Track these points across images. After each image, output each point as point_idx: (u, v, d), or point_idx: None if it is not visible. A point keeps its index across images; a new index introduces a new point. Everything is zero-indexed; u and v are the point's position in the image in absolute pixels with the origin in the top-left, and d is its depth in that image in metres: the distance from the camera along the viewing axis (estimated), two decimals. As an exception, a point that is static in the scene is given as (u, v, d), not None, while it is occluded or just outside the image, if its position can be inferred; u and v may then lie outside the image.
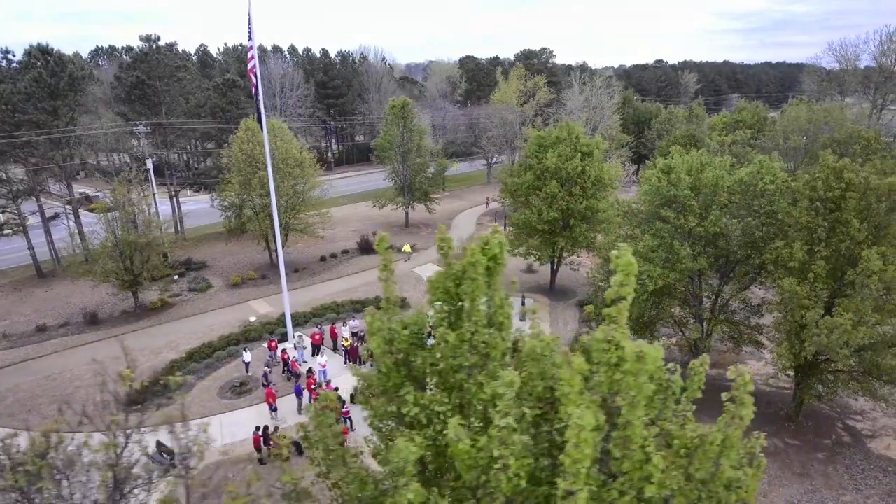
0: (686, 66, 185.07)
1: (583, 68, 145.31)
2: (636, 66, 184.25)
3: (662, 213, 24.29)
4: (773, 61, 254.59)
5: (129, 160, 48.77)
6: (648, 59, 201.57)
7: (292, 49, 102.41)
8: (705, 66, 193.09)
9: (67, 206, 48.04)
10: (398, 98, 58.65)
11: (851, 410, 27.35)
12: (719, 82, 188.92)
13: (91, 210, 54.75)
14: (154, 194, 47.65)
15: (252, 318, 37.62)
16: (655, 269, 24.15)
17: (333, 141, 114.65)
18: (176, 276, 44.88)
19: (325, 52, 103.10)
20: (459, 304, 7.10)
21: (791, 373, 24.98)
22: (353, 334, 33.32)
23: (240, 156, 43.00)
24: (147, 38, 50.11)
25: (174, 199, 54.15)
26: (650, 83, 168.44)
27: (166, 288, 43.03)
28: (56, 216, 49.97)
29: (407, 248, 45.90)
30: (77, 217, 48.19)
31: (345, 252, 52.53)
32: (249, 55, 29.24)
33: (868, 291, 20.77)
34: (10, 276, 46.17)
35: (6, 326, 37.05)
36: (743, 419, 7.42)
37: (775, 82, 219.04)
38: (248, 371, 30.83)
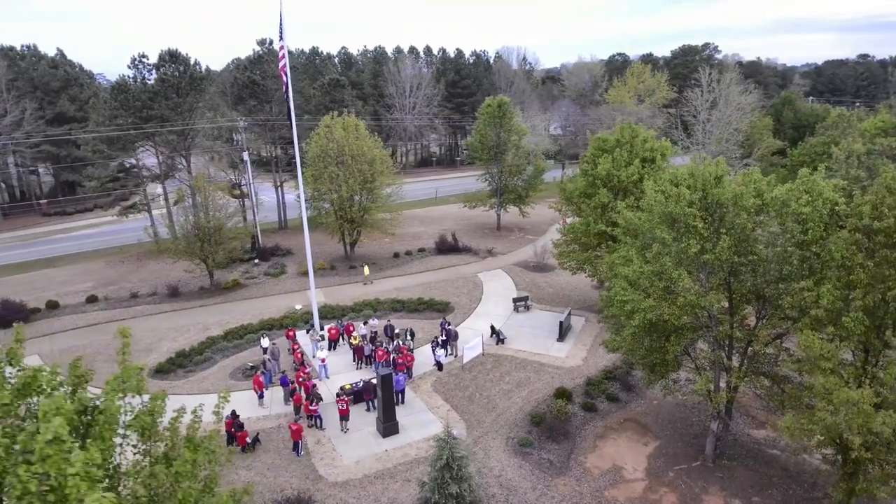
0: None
1: (753, 64, 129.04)
2: (830, 62, 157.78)
3: (657, 233, 20.05)
4: None
5: (241, 152, 53.91)
6: (850, 54, 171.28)
7: (427, 49, 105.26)
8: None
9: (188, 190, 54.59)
10: (494, 98, 57.01)
11: (936, 517, 20.24)
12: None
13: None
14: (251, 184, 52.24)
15: (298, 306, 39.34)
16: (645, 301, 20.12)
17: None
18: (257, 260, 48.83)
19: (459, 52, 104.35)
20: None
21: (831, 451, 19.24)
22: (373, 333, 33.08)
23: (315, 150, 45.18)
24: (262, 42, 55.00)
25: (278, 189, 58.85)
26: (846, 81, 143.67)
27: (247, 270, 47.08)
28: (185, 198, 57.30)
29: (366, 270, 44.81)
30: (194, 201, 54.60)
31: (421, 250, 52.59)
32: (280, 54, 30.36)
33: (911, 361, 15.06)
34: (139, 249, 53.92)
35: (111, 291, 43.33)
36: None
37: None
38: (267, 356, 32.20)
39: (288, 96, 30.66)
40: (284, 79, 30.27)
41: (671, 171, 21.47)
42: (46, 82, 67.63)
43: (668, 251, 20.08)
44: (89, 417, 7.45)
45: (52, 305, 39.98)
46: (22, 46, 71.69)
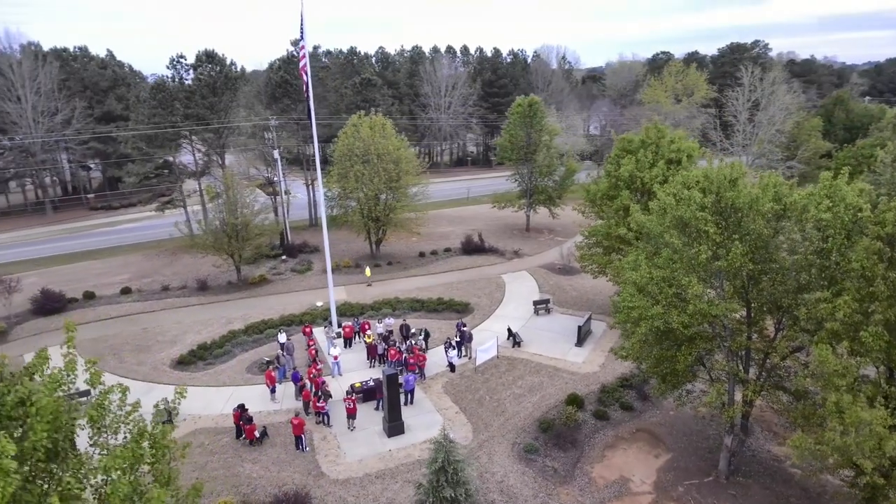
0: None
1: (806, 63, 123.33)
2: (891, 60, 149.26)
3: (667, 238, 19.23)
4: None
5: (273, 150, 55.04)
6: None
7: (464, 49, 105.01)
8: None
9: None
10: (524, 97, 56.29)
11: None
12: None
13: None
14: (282, 181, 53.20)
15: (318, 303, 39.77)
16: (653, 308, 19.35)
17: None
18: (284, 257, 49.68)
19: (496, 52, 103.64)
20: None
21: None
22: (388, 331, 33.11)
23: (342, 149, 45.59)
24: (295, 43, 55.95)
25: (309, 187, 59.77)
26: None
27: (274, 266, 47.99)
28: (218, 195, 58.90)
29: (368, 272, 44.36)
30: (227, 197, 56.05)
31: (447, 250, 52.40)
32: (301, 54, 30.71)
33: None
34: (174, 243, 55.61)
35: (145, 284, 44.89)
36: None
37: None
38: (282, 351, 32.68)
39: (308, 95, 30.99)
40: (305, 78, 30.59)
41: (684, 173, 20.56)
42: (96, 82, 70.76)
43: (680, 257, 19.26)
44: (24, 409, 7.63)
45: (89, 296, 41.71)
46: (74, 48, 75.27)
